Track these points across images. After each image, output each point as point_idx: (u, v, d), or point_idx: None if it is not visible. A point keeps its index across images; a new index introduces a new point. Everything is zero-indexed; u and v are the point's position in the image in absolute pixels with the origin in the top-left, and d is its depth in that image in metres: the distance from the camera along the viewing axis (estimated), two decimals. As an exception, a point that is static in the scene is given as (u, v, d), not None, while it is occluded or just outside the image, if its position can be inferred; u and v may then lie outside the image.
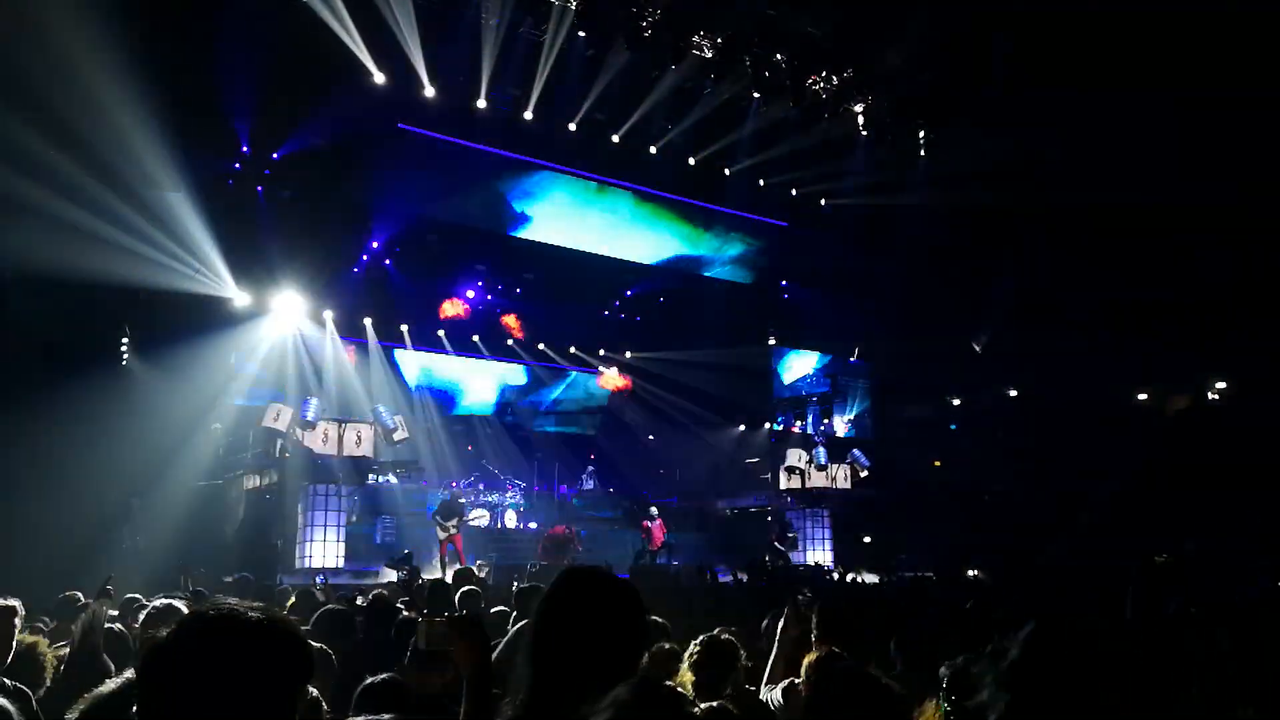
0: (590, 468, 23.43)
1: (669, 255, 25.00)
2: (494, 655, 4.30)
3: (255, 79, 16.49)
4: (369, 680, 3.26)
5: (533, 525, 20.14)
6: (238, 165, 18.73)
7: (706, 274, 25.68)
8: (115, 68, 13.61)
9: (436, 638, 2.55)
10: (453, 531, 16.15)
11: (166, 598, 4.51)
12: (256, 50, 16.01)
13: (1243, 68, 18.61)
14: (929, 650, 3.71)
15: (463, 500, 17.82)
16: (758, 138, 21.16)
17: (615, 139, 20.28)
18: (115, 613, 5.73)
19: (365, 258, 22.14)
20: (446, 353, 24.15)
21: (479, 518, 19.20)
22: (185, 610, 3.19)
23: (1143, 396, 28.29)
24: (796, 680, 3.71)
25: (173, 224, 16.29)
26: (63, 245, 13.74)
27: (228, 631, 1.56)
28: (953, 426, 29.92)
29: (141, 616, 3.64)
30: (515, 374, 26.16)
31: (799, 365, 28.07)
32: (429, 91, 17.96)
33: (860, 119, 20.93)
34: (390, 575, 13.81)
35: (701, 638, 3.91)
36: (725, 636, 3.89)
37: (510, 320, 21.46)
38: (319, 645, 3.84)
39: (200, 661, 1.53)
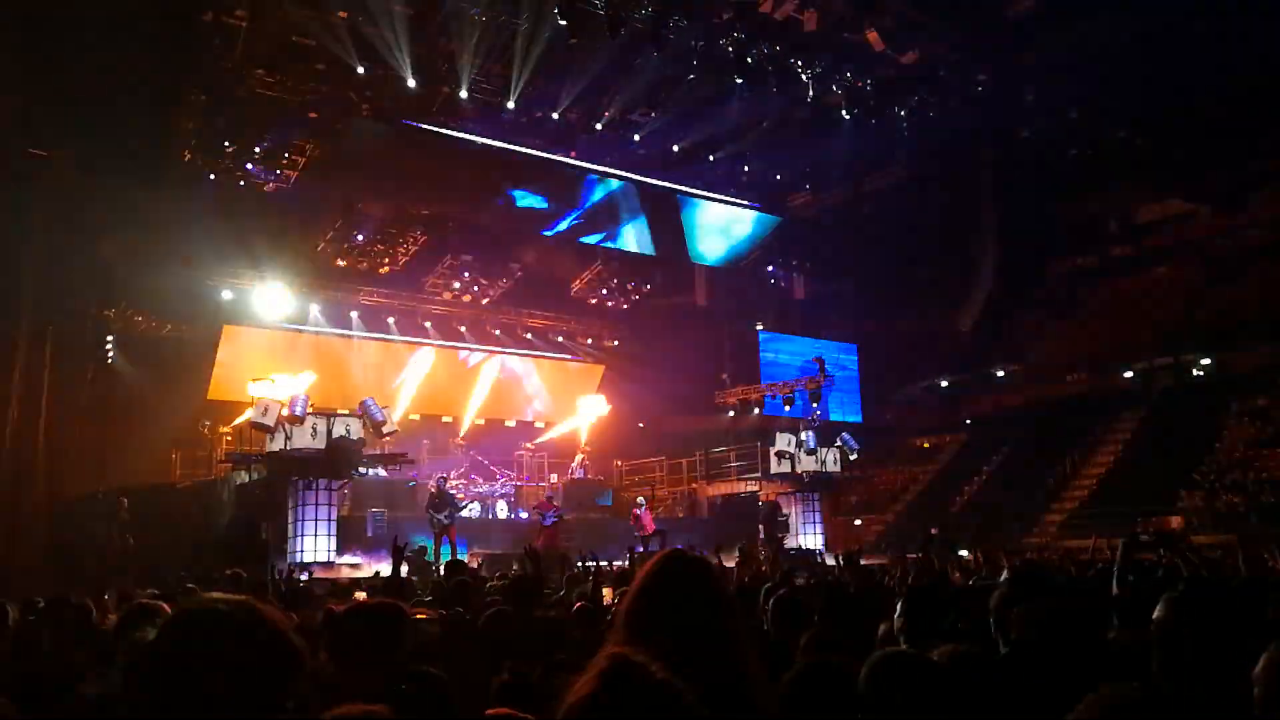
0: (580, 456, 23.43)
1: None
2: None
3: (237, 69, 16.40)
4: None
5: (524, 515, 20.15)
6: (221, 158, 18.63)
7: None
8: (101, 61, 13.54)
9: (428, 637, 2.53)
10: (447, 523, 16.14)
11: (151, 596, 4.49)
12: (236, 42, 15.91)
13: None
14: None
15: (454, 491, 17.80)
16: (741, 124, 21.14)
17: (598, 127, 20.24)
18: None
19: (351, 249, 22.08)
20: (431, 344, 24.15)
21: (470, 509, 19.21)
22: (165, 608, 3.17)
23: (1128, 374, 28.49)
24: None
25: (157, 219, 16.22)
26: (47, 244, 13.68)
27: (212, 629, 1.55)
28: (942, 407, 30.08)
29: (116, 617, 3.59)
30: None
31: (787, 349, 28.12)
32: (411, 82, 17.86)
33: (843, 102, 20.90)
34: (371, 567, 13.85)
35: None
36: None
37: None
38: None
39: (185, 661, 1.52)
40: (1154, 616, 2.43)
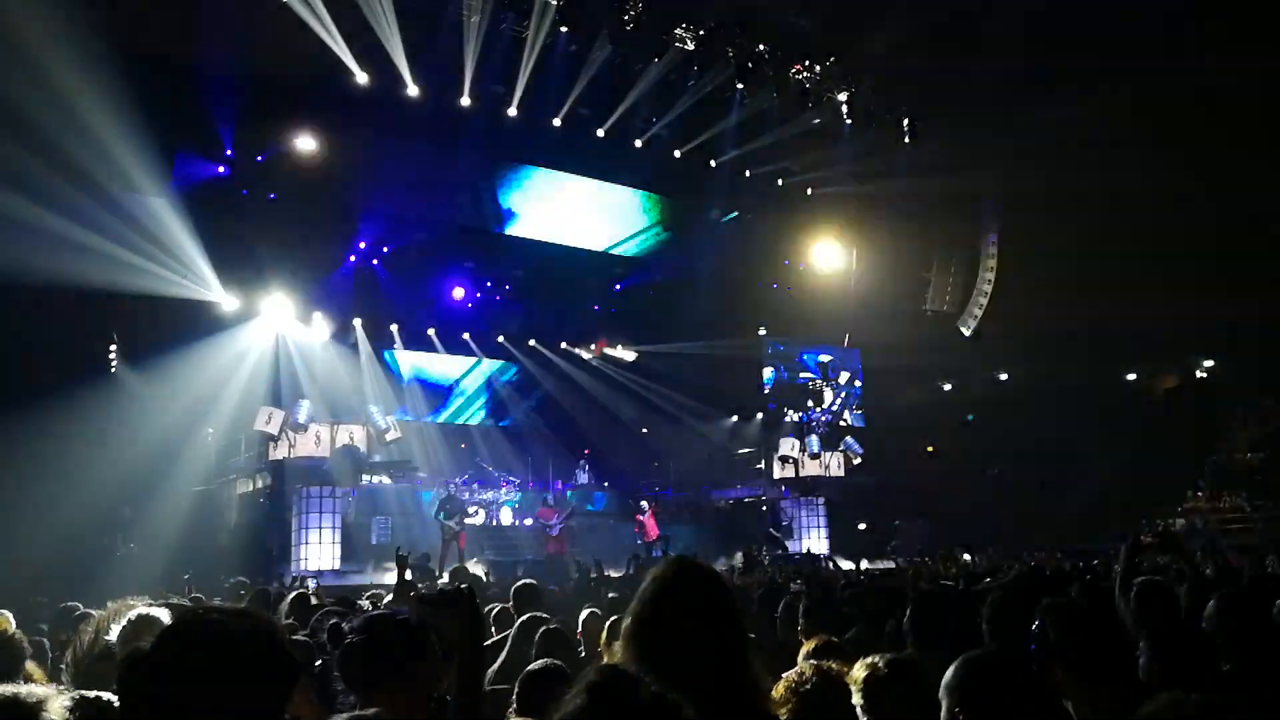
0: (584, 462, 23.42)
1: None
2: (501, 652, 4.32)
3: (237, 81, 16.44)
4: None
5: (528, 522, 20.12)
6: (222, 168, 18.67)
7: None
8: (94, 71, 13.54)
9: (426, 613, 2.49)
10: (458, 529, 16.16)
11: (151, 605, 4.47)
12: (238, 51, 15.95)
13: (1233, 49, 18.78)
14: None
15: (462, 497, 17.86)
16: (742, 128, 21.18)
17: (600, 133, 20.26)
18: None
19: (353, 258, 22.10)
20: (437, 351, 24.15)
21: (474, 515, 19.22)
22: (165, 619, 3.15)
23: (1131, 376, 28.44)
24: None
25: (157, 229, 16.23)
26: (46, 254, 13.69)
27: (211, 639, 1.54)
28: (943, 412, 29.97)
29: (117, 627, 3.57)
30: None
31: (790, 353, 28.14)
32: (412, 90, 17.90)
33: (844, 107, 20.93)
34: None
35: None
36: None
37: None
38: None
39: (184, 670, 1.51)
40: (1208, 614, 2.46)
